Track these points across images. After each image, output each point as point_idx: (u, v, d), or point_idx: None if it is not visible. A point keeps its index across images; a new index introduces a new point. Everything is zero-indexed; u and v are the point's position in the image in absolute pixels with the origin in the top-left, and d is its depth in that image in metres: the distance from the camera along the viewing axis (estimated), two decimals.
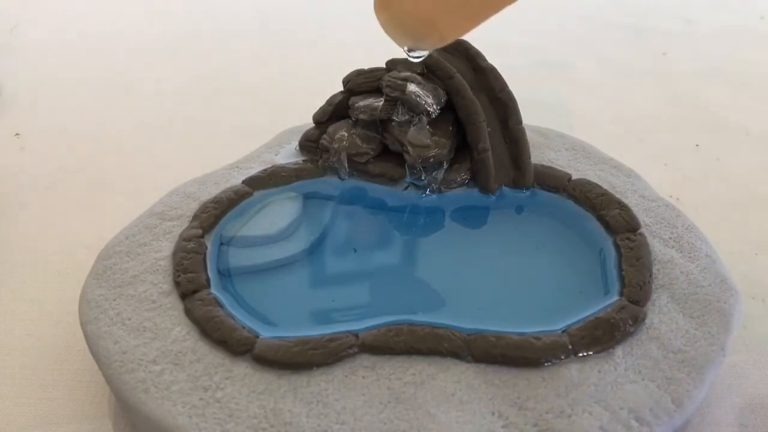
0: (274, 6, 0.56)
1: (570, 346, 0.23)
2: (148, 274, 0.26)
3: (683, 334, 0.24)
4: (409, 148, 0.29)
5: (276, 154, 0.33)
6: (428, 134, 0.29)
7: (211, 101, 0.44)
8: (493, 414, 0.22)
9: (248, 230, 0.29)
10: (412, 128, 0.29)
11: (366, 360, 0.23)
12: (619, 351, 0.24)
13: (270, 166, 0.31)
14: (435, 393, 0.22)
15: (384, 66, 0.31)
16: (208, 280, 0.26)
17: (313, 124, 0.32)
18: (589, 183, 0.30)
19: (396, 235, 0.30)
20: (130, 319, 0.25)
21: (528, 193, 0.30)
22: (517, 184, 0.30)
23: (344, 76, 0.32)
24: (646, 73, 0.48)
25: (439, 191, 0.30)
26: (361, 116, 0.30)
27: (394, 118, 0.30)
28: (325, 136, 0.31)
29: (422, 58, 0.26)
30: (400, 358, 0.23)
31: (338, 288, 0.27)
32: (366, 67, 0.32)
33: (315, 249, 0.28)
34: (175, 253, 0.27)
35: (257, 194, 0.30)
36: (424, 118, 0.30)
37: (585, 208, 0.29)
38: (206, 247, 0.27)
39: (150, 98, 0.44)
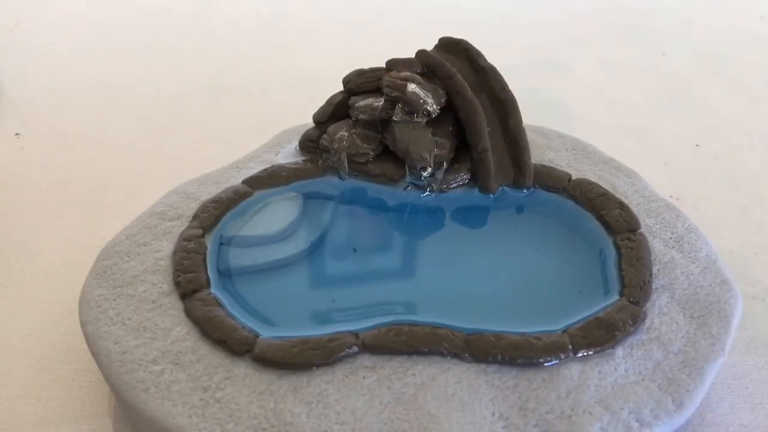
0: (274, 6, 0.56)
1: (570, 346, 0.23)
2: (148, 274, 0.26)
3: (683, 335, 0.24)
4: (411, 154, 0.29)
5: (276, 154, 0.33)
6: (431, 142, 0.29)
7: (211, 101, 0.44)
8: (493, 415, 0.22)
9: (248, 230, 0.29)
10: (413, 136, 0.29)
11: (366, 360, 0.23)
12: (619, 351, 0.24)
13: (270, 166, 0.31)
14: (436, 394, 0.22)
15: (384, 66, 0.31)
16: (208, 280, 0.26)
17: (313, 124, 0.32)
18: (589, 183, 0.30)
19: (396, 235, 0.30)
20: (130, 319, 0.25)
21: (528, 193, 0.30)
22: (517, 184, 0.30)
23: (344, 76, 0.32)
24: (646, 73, 0.48)
25: (439, 191, 0.30)
26: (361, 116, 0.30)
27: (395, 118, 0.30)
28: (325, 136, 0.31)
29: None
30: (401, 359, 0.23)
31: (338, 288, 0.27)
32: (366, 67, 0.32)
33: (315, 249, 0.28)
34: (175, 253, 0.27)
35: (257, 194, 0.30)
36: (424, 119, 0.30)
37: (585, 208, 0.29)
38: (206, 247, 0.27)
39: (150, 98, 0.44)
